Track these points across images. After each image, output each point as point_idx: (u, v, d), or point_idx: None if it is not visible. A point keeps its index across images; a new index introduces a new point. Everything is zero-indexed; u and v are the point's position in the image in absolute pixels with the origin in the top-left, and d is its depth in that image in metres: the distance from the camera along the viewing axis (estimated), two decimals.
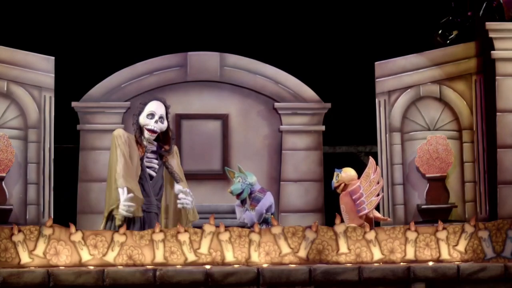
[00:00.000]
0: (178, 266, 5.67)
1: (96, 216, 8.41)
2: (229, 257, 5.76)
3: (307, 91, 9.19)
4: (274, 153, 9.15)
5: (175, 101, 9.05)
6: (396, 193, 8.71)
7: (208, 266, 5.66)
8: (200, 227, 5.86)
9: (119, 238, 5.71)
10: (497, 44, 8.37)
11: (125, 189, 6.15)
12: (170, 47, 9.23)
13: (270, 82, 9.17)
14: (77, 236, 5.70)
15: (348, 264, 5.81)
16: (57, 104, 8.61)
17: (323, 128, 9.18)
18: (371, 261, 5.88)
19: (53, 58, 8.59)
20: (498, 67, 8.38)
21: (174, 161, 6.58)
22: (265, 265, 5.72)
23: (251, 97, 9.19)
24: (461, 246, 5.99)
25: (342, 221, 6.02)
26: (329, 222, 6.39)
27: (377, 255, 5.90)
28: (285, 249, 5.82)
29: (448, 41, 9.01)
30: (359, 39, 9.62)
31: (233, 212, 7.19)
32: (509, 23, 8.32)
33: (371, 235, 5.91)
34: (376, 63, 8.87)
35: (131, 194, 6.19)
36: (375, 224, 6.59)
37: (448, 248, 5.98)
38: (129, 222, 6.22)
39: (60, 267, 5.61)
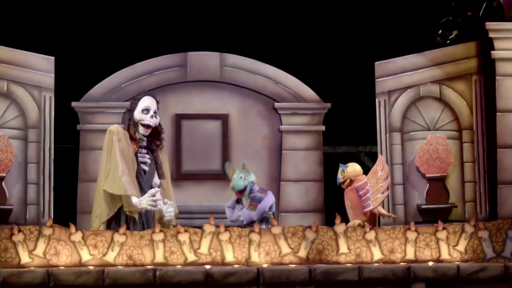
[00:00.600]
0: (178, 266, 5.68)
1: None
2: (229, 257, 5.77)
3: (307, 91, 9.19)
4: (274, 153, 9.15)
5: (175, 101, 9.08)
6: (396, 193, 8.71)
7: (208, 266, 5.66)
8: (200, 227, 5.86)
9: (119, 238, 5.72)
10: (497, 44, 8.37)
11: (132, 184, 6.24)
12: (170, 47, 9.23)
13: (270, 82, 9.17)
14: (77, 236, 5.70)
15: (348, 264, 5.81)
16: (57, 104, 8.61)
17: (323, 128, 9.18)
18: (371, 261, 5.88)
19: (53, 58, 8.59)
20: (498, 67, 8.38)
21: (163, 157, 6.65)
22: (265, 265, 5.73)
23: (251, 97, 9.18)
24: (461, 246, 5.99)
25: (342, 221, 6.02)
26: (329, 222, 6.38)
27: (377, 255, 5.91)
28: (285, 249, 5.82)
29: (448, 41, 9.00)
30: (359, 39, 9.62)
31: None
32: (509, 23, 8.32)
33: (371, 235, 5.92)
34: (376, 63, 8.86)
35: (156, 189, 6.31)
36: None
37: (448, 248, 5.98)
38: (130, 218, 6.28)
39: (60, 267, 5.61)
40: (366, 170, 7.06)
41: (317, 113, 9.18)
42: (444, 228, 6.01)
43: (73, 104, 8.92)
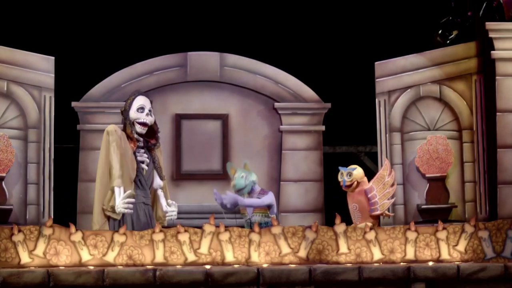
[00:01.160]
0: (178, 266, 5.67)
1: None
2: (229, 257, 5.77)
3: (307, 91, 9.19)
4: (274, 153, 9.15)
5: (175, 101, 9.08)
6: (396, 193, 8.68)
7: (208, 266, 5.66)
8: (200, 227, 5.86)
9: (119, 238, 5.72)
10: (497, 44, 8.37)
11: (122, 188, 6.24)
12: (170, 47, 9.23)
13: (270, 82, 9.17)
14: (77, 236, 5.70)
15: (348, 264, 5.81)
16: (57, 104, 8.61)
17: (323, 128, 9.18)
18: (371, 261, 5.88)
19: (53, 58, 8.59)
20: (498, 67, 8.38)
21: (160, 157, 6.67)
22: (265, 265, 5.73)
23: (251, 97, 9.18)
24: (461, 246, 5.99)
25: (342, 221, 6.02)
26: (329, 222, 6.38)
27: (377, 255, 5.90)
28: (285, 249, 5.82)
29: (448, 41, 9.00)
30: (359, 39, 9.62)
31: (233, 212, 7.17)
32: (509, 23, 8.32)
33: (371, 235, 5.92)
34: (376, 63, 8.86)
35: (130, 191, 6.29)
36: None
37: (448, 248, 5.98)
38: (132, 216, 6.30)
39: (60, 267, 5.61)
40: (366, 170, 7.06)
41: (317, 113, 9.18)
42: (444, 228, 6.01)
43: (73, 104, 8.93)
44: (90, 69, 9.16)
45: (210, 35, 9.46)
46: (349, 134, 9.83)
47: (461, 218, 8.55)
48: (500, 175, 8.26)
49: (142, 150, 6.58)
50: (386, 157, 8.68)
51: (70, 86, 8.90)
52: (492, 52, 8.38)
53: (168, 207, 6.60)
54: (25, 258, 5.63)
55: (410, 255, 5.94)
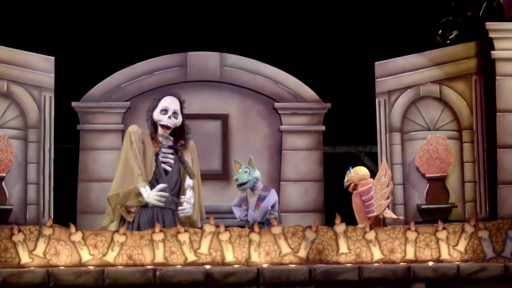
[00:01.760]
0: (178, 266, 5.67)
1: (96, 216, 8.42)
2: (229, 257, 5.76)
3: (307, 91, 9.19)
4: (274, 153, 9.15)
5: None
6: (396, 193, 8.71)
7: (208, 266, 5.66)
8: (200, 227, 5.86)
9: (119, 238, 5.71)
10: (497, 44, 8.37)
11: (147, 187, 6.23)
12: (170, 47, 9.23)
13: (270, 82, 9.17)
14: (77, 236, 5.70)
15: (348, 264, 5.81)
16: (57, 104, 8.61)
17: (323, 128, 9.18)
18: (371, 261, 5.88)
19: (53, 58, 8.59)
20: (498, 67, 8.38)
21: (189, 157, 6.58)
22: (265, 265, 5.73)
23: (251, 97, 9.19)
24: (461, 246, 5.99)
25: (342, 221, 6.02)
26: (329, 222, 6.38)
27: (377, 255, 5.90)
28: (285, 249, 5.82)
29: (448, 41, 9.01)
30: (359, 39, 9.62)
31: (233, 212, 7.18)
32: (509, 23, 8.32)
33: (371, 235, 5.91)
34: (376, 63, 8.87)
35: (162, 184, 6.28)
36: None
37: (448, 248, 5.98)
38: (144, 217, 6.26)
39: (60, 267, 5.61)
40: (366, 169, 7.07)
41: (317, 113, 9.18)
42: (444, 228, 6.01)
43: (73, 104, 8.93)
44: (90, 69, 9.16)
45: (210, 35, 9.46)
46: (349, 134, 9.84)
47: (461, 218, 8.55)
48: (500, 175, 8.26)
49: (169, 151, 6.48)
50: (386, 157, 8.68)
51: (70, 86, 8.91)
52: (492, 52, 8.38)
53: (185, 202, 6.43)
54: (25, 258, 5.63)
55: (410, 255, 5.94)
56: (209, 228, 5.78)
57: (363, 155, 10.00)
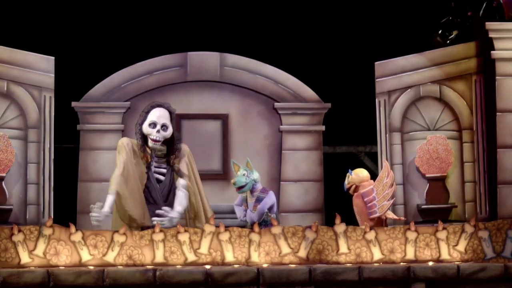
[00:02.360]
0: (178, 266, 5.68)
1: None
2: (229, 257, 5.77)
3: (307, 91, 9.19)
4: (274, 153, 9.15)
5: (175, 101, 9.02)
6: (396, 193, 8.70)
7: (208, 266, 5.67)
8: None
9: (119, 238, 5.72)
10: (497, 44, 8.36)
11: (111, 197, 6.22)
12: (170, 47, 9.23)
13: (270, 82, 9.17)
14: (77, 236, 5.70)
15: (348, 264, 5.81)
16: (57, 104, 8.61)
17: (323, 128, 9.18)
18: (371, 261, 5.88)
19: (53, 58, 8.58)
20: (498, 67, 8.37)
21: (183, 163, 6.55)
22: (265, 265, 5.73)
23: (251, 97, 9.18)
24: (461, 246, 6.00)
25: (342, 221, 6.02)
26: (329, 222, 6.39)
27: (377, 255, 5.91)
28: (285, 249, 5.82)
29: (448, 41, 9.00)
30: (359, 39, 9.62)
31: (233, 212, 7.18)
32: (509, 23, 8.31)
33: (371, 235, 5.92)
34: (376, 63, 8.86)
35: (99, 203, 6.24)
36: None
37: (448, 248, 5.98)
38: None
39: (60, 267, 5.61)
40: (366, 170, 7.06)
41: (317, 113, 9.18)
42: (444, 228, 6.01)
43: (73, 104, 8.92)
44: (90, 69, 9.16)
45: (210, 35, 9.46)
46: (349, 134, 9.83)
47: (461, 218, 8.54)
48: (500, 175, 8.25)
49: (162, 160, 6.49)
50: (386, 157, 8.68)
51: (70, 86, 8.90)
52: (492, 52, 8.38)
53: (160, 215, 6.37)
54: (25, 258, 5.63)
55: (410, 255, 5.94)
56: (209, 228, 5.79)
57: (363, 155, 9.99)
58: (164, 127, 6.46)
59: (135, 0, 9.56)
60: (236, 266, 5.72)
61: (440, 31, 9.03)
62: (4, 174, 8.13)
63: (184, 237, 5.75)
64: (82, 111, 8.95)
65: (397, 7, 9.53)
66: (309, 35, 9.74)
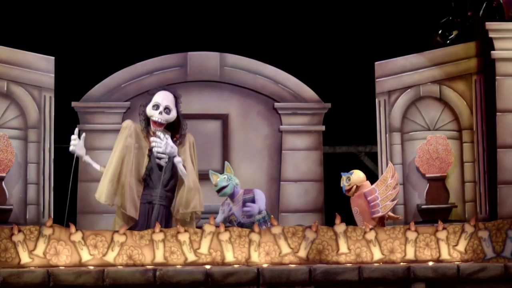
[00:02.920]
0: (178, 266, 5.67)
1: (96, 216, 8.43)
2: (229, 257, 5.77)
3: (307, 91, 9.19)
4: (274, 153, 9.15)
5: None
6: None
7: (208, 266, 5.66)
8: (200, 227, 5.86)
9: (119, 238, 5.72)
10: (497, 44, 8.37)
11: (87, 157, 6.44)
12: (170, 47, 9.23)
13: (270, 82, 9.17)
14: (77, 236, 5.70)
15: (348, 264, 5.81)
16: (57, 104, 8.61)
17: (323, 128, 9.18)
18: (371, 261, 5.88)
19: (53, 58, 8.59)
20: (498, 67, 8.38)
21: (187, 152, 6.51)
22: (265, 265, 5.73)
23: (251, 97, 9.19)
24: (461, 246, 5.99)
25: (342, 221, 6.02)
26: (329, 222, 6.38)
27: (377, 255, 5.90)
28: (285, 249, 5.82)
29: (448, 41, 9.00)
30: (359, 39, 9.62)
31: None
32: (509, 23, 8.32)
33: (371, 235, 5.92)
34: (376, 63, 8.86)
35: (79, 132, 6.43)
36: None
37: (448, 248, 5.98)
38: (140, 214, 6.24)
39: (60, 267, 5.61)
40: (366, 171, 7.06)
41: (317, 113, 9.18)
42: (444, 228, 6.01)
43: (73, 104, 8.93)
44: (90, 69, 9.16)
45: (210, 35, 9.46)
46: (349, 134, 9.84)
47: (461, 218, 8.55)
48: (500, 175, 8.26)
49: None
50: (386, 157, 8.68)
51: (70, 86, 8.91)
52: (492, 52, 8.38)
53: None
54: (25, 258, 5.63)
55: (410, 255, 5.94)
56: (209, 228, 5.79)
57: (363, 155, 9.99)
58: (167, 109, 6.39)
59: (135, 0, 9.56)
60: (236, 266, 5.72)
61: (440, 31, 9.04)
62: (4, 174, 8.13)
63: (184, 237, 5.75)
64: (82, 111, 8.95)
65: (397, 7, 9.53)
66: (309, 35, 9.75)
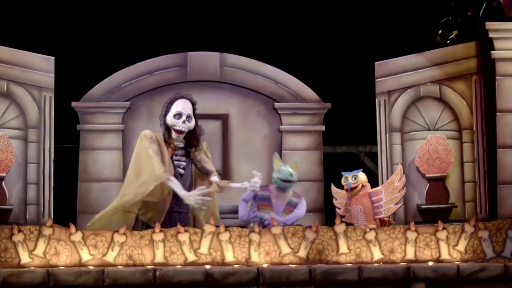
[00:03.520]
0: (178, 266, 5.68)
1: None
2: (229, 257, 5.77)
3: (307, 91, 9.19)
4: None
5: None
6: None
7: (208, 266, 5.67)
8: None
9: (119, 238, 5.72)
10: (497, 44, 8.37)
11: (173, 178, 6.17)
12: (170, 47, 9.23)
13: (270, 82, 9.17)
14: (77, 236, 5.70)
15: (348, 264, 5.81)
16: (57, 104, 8.61)
17: (323, 128, 9.18)
18: (371, 261, 5.89)
19: (53, 58, 8.58)
20: (498, 67, 8.38)
21: (203, 157, 6.54)
22: (265, 265, 5.73)
23: (251, 97, 9.18)
24: (461, 246, 6.00)
25: (342, 221, 6.03)
26: (329, 222, 6.39)
27: (377, 255, 5.91)
28: (285, 249, 5.82)
29: (448, 41, 9.00)
30: (359, 39, 9.62)
31: (233, 212, 7.17)
32: (509, 23, 8.32)
33: (371, 235, 5.92)
34: (376, 63, 8.86)
35: (203, 188, 6.23)
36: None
37: (448, 248, 5.99)
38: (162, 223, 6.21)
39: (60, 267, 5.61)
40: (366, 170, 7.06)
41: (317, 113, 9.18)
42: (444, 228, 6.01)
43: (73, 104, 8.92)
44: (90, 69, 9.16)
45: (210, 35, 9.46)
46: (349, 134, 9.84)
47: (461, 218, 8.54)
48: (500, 175, 8.26)
49: (181, 153, 6.44)
50: (386, 157, 8.68)
51: (70, 86, 8.90)
52: (492, 52, 8.38)
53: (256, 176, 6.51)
54: (25, 258, 5.63)
55: (410, 255, 5.94)
56: (209, 228, 5.79)
57: (363, 155, 9.99)
58: (189, 118, 6.44)
59: (135, 0, 9.56)
60: (236, 266, 5.72)
61: (440, 31, 9.03)
62: (4, 174, 8.13)
63: (184, 237, 5.75)
64: (82, 111, 8.95)
65: (397, 7, 9.53)
66: (309, 35, 9.75)
